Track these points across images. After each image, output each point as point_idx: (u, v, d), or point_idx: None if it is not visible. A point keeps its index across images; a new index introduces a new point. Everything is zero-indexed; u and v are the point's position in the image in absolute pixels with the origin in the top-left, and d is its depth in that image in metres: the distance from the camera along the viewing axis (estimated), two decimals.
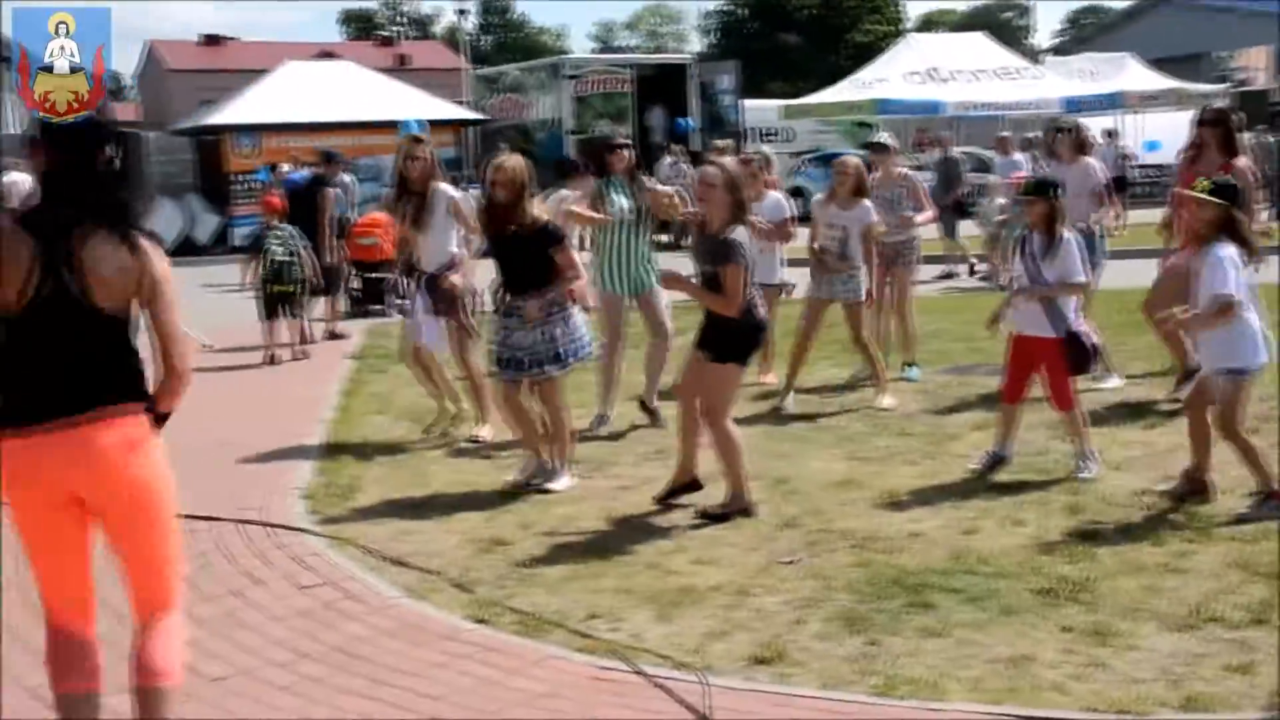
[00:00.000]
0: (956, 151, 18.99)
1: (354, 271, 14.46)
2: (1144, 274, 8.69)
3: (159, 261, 3.37)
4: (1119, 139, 25.92)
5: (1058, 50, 53.59)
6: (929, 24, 65.94)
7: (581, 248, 9.39)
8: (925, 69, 28.18)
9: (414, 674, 4.24)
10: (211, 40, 62.41)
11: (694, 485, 6.20)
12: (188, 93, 48.13)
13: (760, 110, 30.34)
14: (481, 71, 36.00)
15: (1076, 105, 26.37)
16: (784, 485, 6.46)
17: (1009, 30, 64.23)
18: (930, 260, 16.51)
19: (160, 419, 3.42)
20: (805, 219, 9.32)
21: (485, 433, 7.69)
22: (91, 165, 3.34)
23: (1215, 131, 7.96)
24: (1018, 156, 17.30)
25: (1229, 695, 3.87)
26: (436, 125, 21.29)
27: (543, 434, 6.70)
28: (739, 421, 6.30)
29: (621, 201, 7.81)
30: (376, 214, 14.24)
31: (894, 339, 9.45)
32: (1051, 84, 28.62)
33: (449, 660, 4.34)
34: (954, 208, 16.74)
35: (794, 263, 9.43)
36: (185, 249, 23.54)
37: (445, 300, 7.66)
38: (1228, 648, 4.20)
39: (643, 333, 8.23)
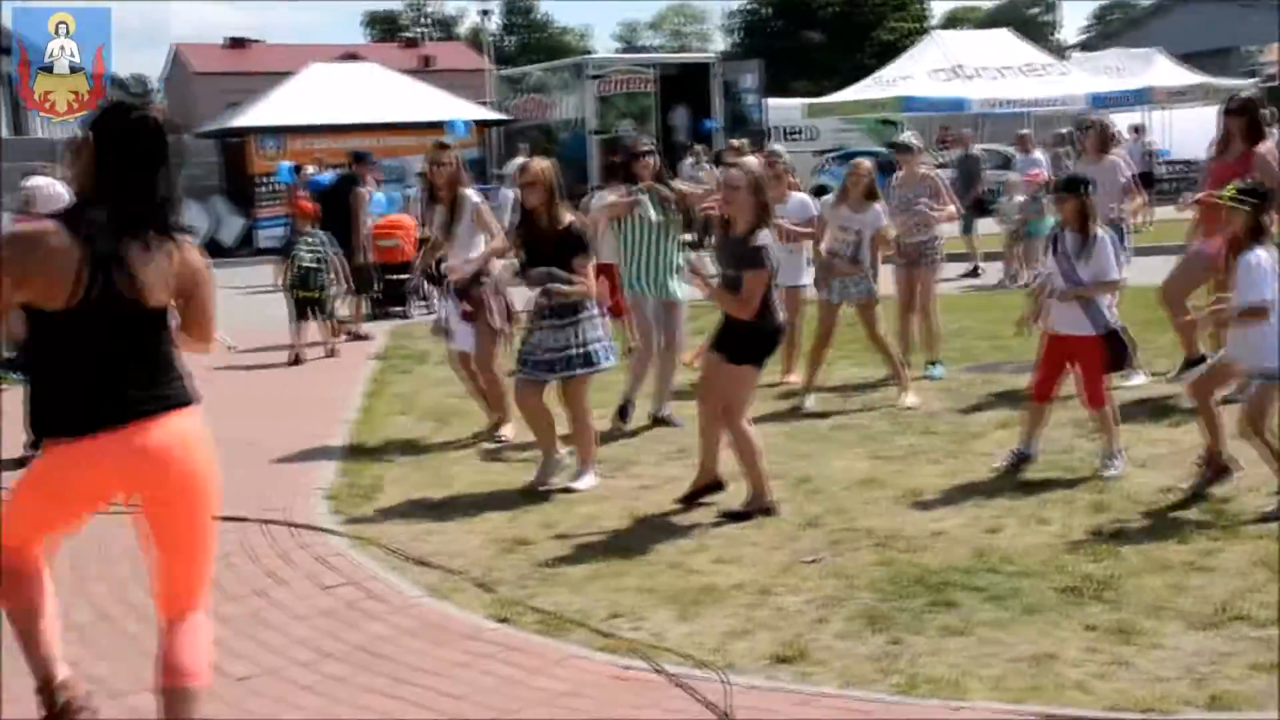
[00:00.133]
0: (977, 149, 18.92)
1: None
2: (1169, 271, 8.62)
3: (197, 254, 3.42)
4: (1146, 135, 25.74)
5: (1084, 46, 53.30)
6: (954, 21, 65.55)
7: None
8: (950, 66, 28.09)
9: (436, 673, 4.25)
10: (236, 43, 62.73)
11: (717, 485, 6.19)
12: (213, 95, 48.39)
13: (783, 109, 30.29)
14: (505, 72, 36.10)
15: (1103, 101, 26.23)
16: (806, 484, 6.44)
17: (1035, 26, 63.77)
18: (954, 258, 16.52)
19: None
20: None
21: (508, 432, 7.71)
22: (142, 166, 3.33)
23: (1240, 121, 7.89)
24: (1037, 154, 17.21)
25: (1254, 694, 3.83)
26: (443, 127, 21.32)
27: (562, 436, 6.71)
28: (760, 421, 6.30)
29: (649, 210, 7.77)
30: (397, 216, 14.29)
31: (918, 337, 9.42)
32: (1077, 80, 28.49)
33: (471, 659, 4.35)
34: (974, 206, 16.73)
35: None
36: (210, 251, 23.03)
37: (474, 304, 7.69)
38: (1253, 646, 4.17)
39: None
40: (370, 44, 67.12)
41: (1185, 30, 39.34)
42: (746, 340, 5.95)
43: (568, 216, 6.65)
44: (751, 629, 4.55)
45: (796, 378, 8.99)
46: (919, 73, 28.19)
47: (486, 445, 7.66)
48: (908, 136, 9.89)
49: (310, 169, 17.82)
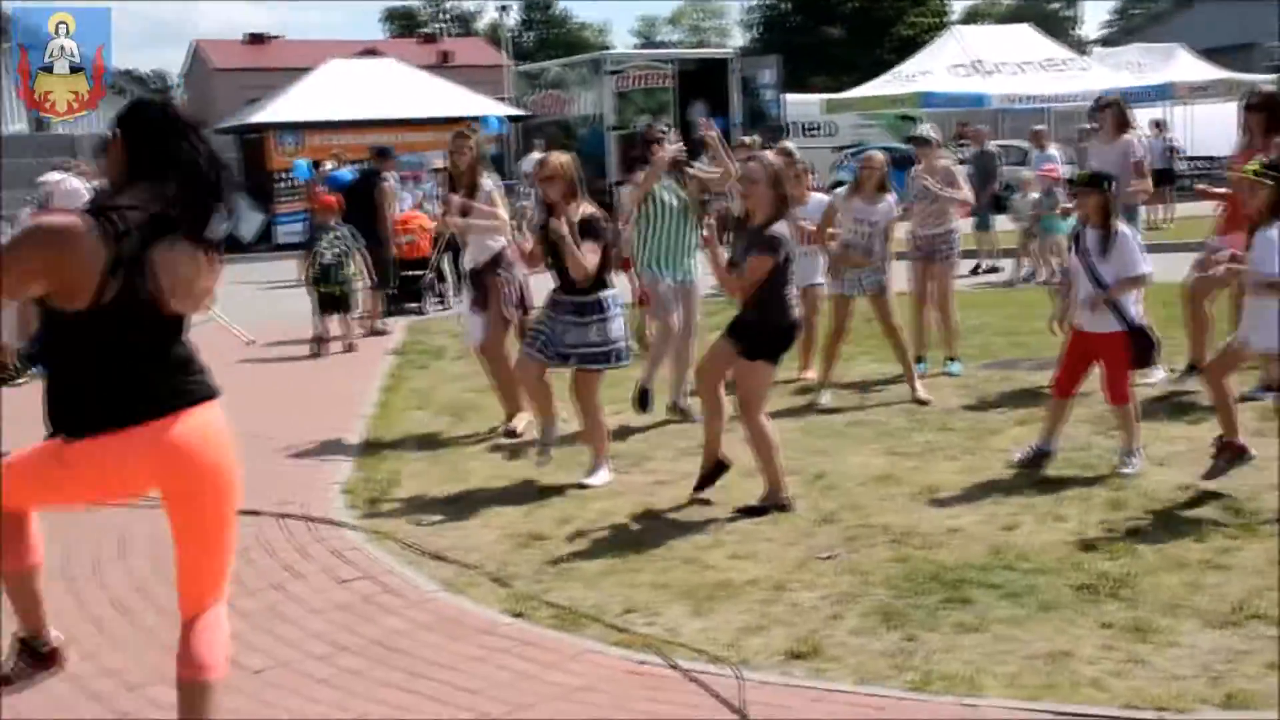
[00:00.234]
0: (993, 145, 18.84)
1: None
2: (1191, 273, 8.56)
3: (217, 274, 3.38)
4: (1167, 130, 25.58)
5: (1106, 41, 53.06)
6: (974, 16, 65.28)
7: None
8: (970, 61, 27.97)
9: (451, 667, 4.26)
10: (256, 39, 62.92)
11: (722, 467, 6.19)
12: (233, 91, 48.57)
13: (802, 105, 30.23)
14: (523, 67, 36.08)
15: (1124, 97, 26.03)
16: (822, 480, 6.44)
17: (1056, 21, 63.48)
18: (969, 255, 16.45)
19: None
20: None
21: (519, 424, 7.73)
22: (173, 165, 3.28)
23: (1259, 117, 7.83)
24: (1052, 150, 17.12)
25: (1271, 693, 3.81)
26: (477, 122, 21.34)
27: (575, 434, 6.73)
28: (776, 416, 6.30)
29: (665, 194, 7.78)
30: (413, 212, 14.34)
31: (935, 332, 9.40)
32: (1098, 75, 28.31)
33: (486, 654, 4.36)
34: (991, 202, 16.67)
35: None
36: (229, 246, 23.34)
37: (486, 291, 7.71)
38: (1270, 645, 4.15)
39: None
40: (389, 40, 67.33)
41: (1208, 25, 39.08)
42: (759, 335, 5.95)
43: (587, 209, 6.65)
44: (766, 625, 4.55)
45: (813, 374, 8.98)
46: (938, 68, 28.08)
47: (502, 440, 7.68)
48: (926, 129, 9.85)
49: (329, 164, 17.87)
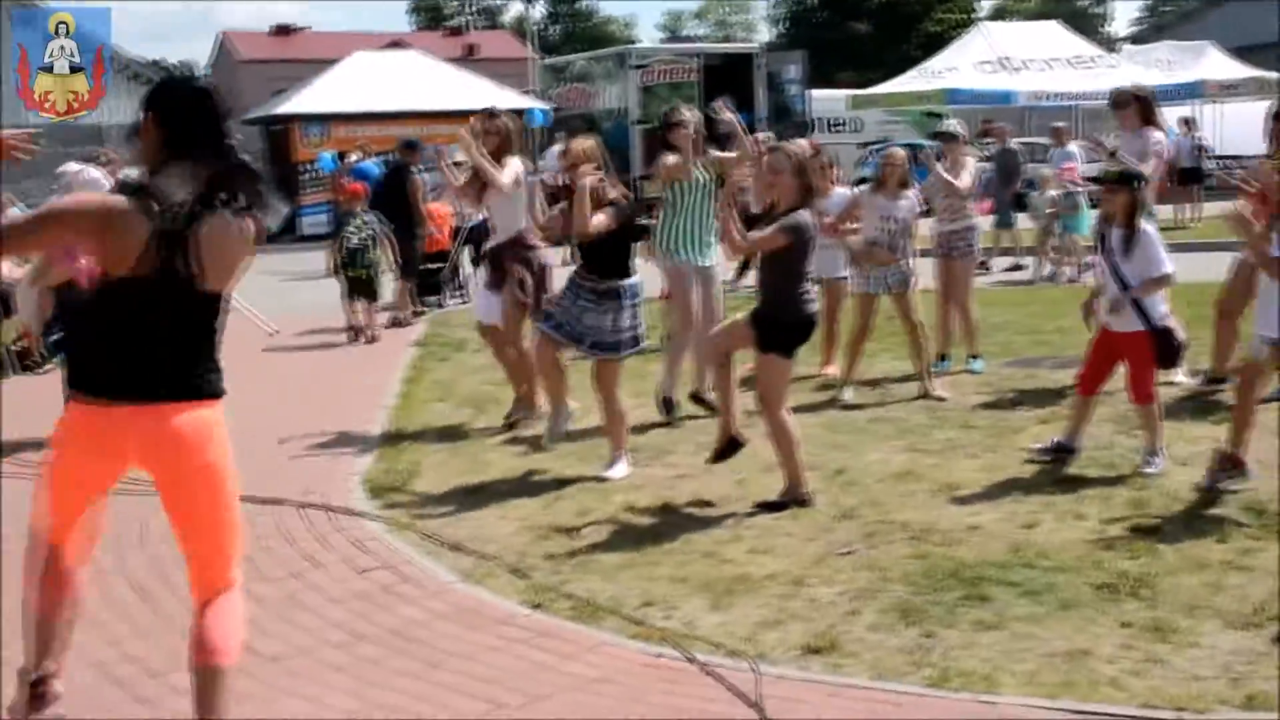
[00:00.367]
0: (1015, 143, 18.72)
1: None
2: (1218, 268, 8.50)
3: (251, 251, 3.42)
4: (1196, 129, 25.37)
5: (1135, 39, 52.62)
6: (1002, 13, 64.90)
7: None
8: (997, 58, 27.76)
9: (468, 657, 4.28)
10: (282, 31, 63.22)
11: (735, 444, 6.18)
12: (259, 83, 48.73)
13: (828, 100, 30.12)
14: (549, 61, 36.11)
15: (1153, 93, 25.82)
16: (842, 476, 6.42)
17: (1085, 18, 63.11)
18: (1004, 252, 16.39)
19: None
20: None
21: (517, 415, 7.76)
22: (213, 142, 3.31)
23: None
24: (1072, 148, 17.00)
25: None
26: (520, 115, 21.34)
27: (596, 427, 6.74)
28: (797, 411, 6.28)
29: (695, 170, 7.75)
30: (432, 205, 14.37)
31: (957, 331, 9.36)
32: (1127, 73, 28.01)
33: (503, 644, 4.37)
34: (1013, 200, 16.58)
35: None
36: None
37: (502, 271, 7.68)
38: None
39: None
40: (415, 32, 67.44)
41: (1239, 23, 38.68)
42: (771, 328, 5.94)
43: (613, 192, 6.63)
44: (784, 619, 4.54)
45: (834, 369, 8.96)
46: (965, 65, 27.89)
47: (522, 433, 7.69)
48: (952, 124, 9.80)
49: (354, 156, 17.93)
